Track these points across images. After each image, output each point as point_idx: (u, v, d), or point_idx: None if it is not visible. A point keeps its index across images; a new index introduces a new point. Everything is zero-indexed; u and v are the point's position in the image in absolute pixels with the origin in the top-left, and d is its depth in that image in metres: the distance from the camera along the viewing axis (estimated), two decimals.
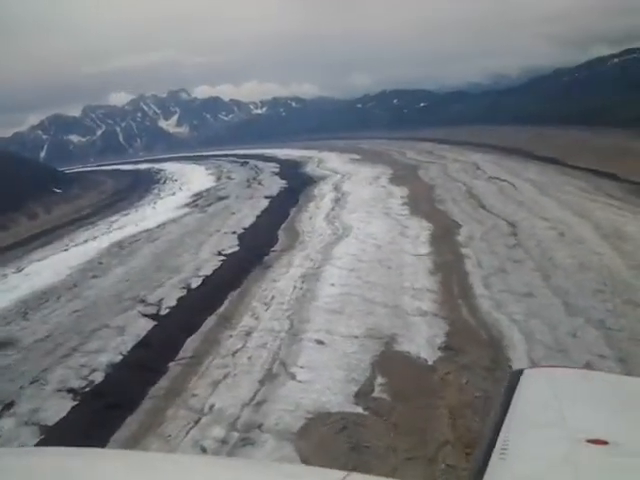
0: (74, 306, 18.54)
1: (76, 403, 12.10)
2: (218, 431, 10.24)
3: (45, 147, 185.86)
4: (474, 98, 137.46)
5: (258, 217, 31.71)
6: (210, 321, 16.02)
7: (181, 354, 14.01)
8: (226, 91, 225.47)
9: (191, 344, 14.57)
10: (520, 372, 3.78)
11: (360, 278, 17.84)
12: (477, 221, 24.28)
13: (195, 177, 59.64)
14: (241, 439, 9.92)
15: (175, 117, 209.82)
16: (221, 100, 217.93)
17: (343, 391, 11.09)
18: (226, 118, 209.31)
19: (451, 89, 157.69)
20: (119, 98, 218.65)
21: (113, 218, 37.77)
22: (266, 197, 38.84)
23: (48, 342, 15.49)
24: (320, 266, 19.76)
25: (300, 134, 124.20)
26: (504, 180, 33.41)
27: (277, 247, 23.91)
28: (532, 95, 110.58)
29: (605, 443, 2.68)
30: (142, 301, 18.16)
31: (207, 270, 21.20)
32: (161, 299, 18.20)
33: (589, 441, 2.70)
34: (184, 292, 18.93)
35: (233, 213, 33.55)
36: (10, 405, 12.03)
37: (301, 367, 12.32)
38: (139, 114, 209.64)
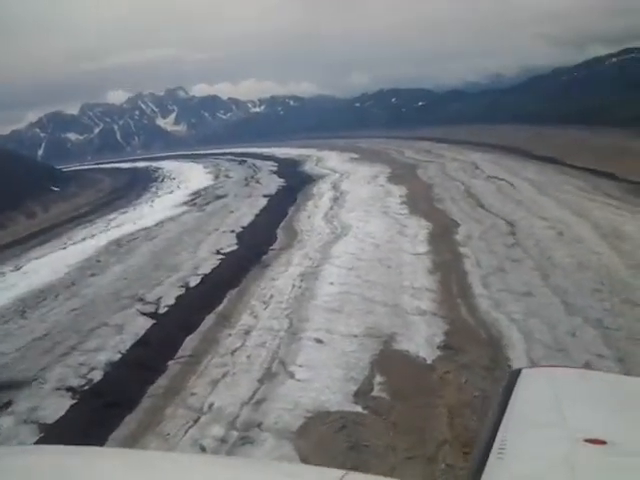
0: (72, 304, 18.51)
1: (75, 401, 12.09)
2: (217, 430, 10.24)
3: (43, 145, 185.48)
4: (473, 97, 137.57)
5: (257, 216, 31.65)
6: (209, 320, 15.99)
7: (180, 353, 13.99)
8: (224, 89, 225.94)
9: (190, 343, 14.55)
10: (518, 372, 3.77)
11: (359, 277, 17.83)
12: (476, 220, 24.28)
13: (193, 175, 59.41)
14: (240, 438, 9.92)
15: (173, 115, 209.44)
16: (219, 98, 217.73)
17: (342, 390, 11.09)
18: (224, 116, 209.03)
19: (450, 88, 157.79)
20: (117, 96, 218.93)
21: (111, 216, 37.68)
22: (264, 196, 38.74)
23: (46, 340, 15.46)
24: (319, 265, 19.75)
25: (298, 133, 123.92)
26: (503, 179, 33.43)
27: (276, 246, 23.89)
28: (531, 94, 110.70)
29: (603, 443, 2.68)
30: (141, 300, 18.12)
31: (206, 269, 21.17)
32: (160, 298, 18.16)
33: (587, 441, 2.70)
34: (183, 291, 18.90)
35: (231, 212, 33.47)
36: (9, 404, 12.02)
37: (300, 366, 12.32)
38: (137, 112, 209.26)
